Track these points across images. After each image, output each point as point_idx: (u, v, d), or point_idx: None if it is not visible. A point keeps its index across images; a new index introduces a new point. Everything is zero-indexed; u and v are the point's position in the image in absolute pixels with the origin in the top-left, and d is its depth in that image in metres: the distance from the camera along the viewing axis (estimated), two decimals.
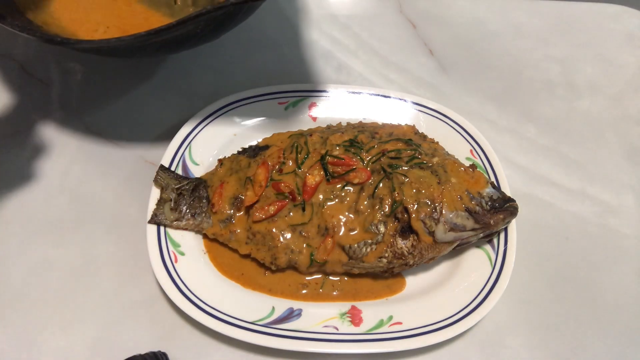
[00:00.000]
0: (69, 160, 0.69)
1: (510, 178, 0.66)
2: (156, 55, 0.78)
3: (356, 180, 0.58)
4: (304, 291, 0.58)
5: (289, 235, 0.58)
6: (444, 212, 0.56)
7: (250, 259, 0.59)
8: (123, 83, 0.78)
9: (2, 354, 0.55)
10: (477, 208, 0.57)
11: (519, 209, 0.59)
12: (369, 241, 0.56)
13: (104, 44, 0.56)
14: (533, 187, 0.70)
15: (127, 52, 0.64)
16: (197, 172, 0.65)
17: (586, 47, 0.87)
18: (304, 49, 0.84)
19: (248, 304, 0.56)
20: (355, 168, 0.59)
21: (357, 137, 0.62)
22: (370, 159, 0.60)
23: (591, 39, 0.88)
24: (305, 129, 0.67)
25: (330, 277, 0.59)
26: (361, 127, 0.66)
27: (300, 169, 0.60)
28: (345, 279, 0.59)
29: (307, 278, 0.59)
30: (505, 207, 0.58)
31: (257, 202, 0.59)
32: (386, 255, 0.56)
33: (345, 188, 0.58)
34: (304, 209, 0.58)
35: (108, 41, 0.55)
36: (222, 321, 0.54)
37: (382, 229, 0.56)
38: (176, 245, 0.59)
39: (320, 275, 0.59)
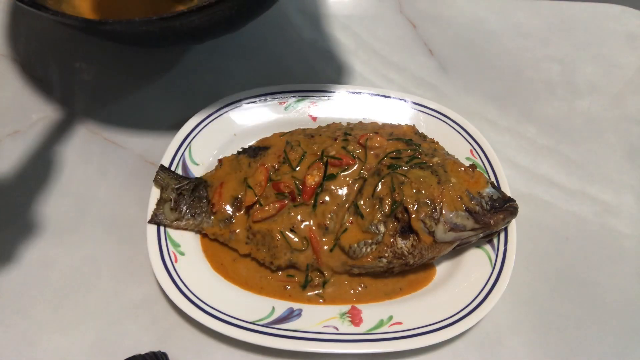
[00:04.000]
0: (69, 160, 0.69)
1: (510, 178, 0.66)
2: (179, 44, 0.79)
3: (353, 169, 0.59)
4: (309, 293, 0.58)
5: (288, 235, 0.58)
6: (444, 212, 0.56)
7: (250, 258, 0.59)
8: (123, 83, 0.78)
9: (1, 354, 0.55)
10: (477, 208, 0.57)
11: (519, 209, 0.59)
12: (369, 241, 0.56)
13: (130, 26, 0.56)
14: (533, 187, 0.70)
15: (151, 38, 0.65)
16: (197, 172, 0.65)
17: (586, 47, 0.87)
18: (304, 49, 0.84)
19: (248, 304, 0.56)
20: (354, 167, 0.59)
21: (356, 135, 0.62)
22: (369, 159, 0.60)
23: (591, 39, 0.88)
24: (305, 129, 0.67)
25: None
26: (361, 127, 0.66)
27: (299, 168, 0.60)
28: (348, 279, 0.59)
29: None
30: (505, 207, 0.58)
31: (256, 202, 0.59)
32: (386, 255, 0.56)
33: (345, 188, 0.58)
34: (303, 209, 0.58)
35: (133, 22, 0.55)
36: (222, 321, 0.54)
37: (382, 229, 0.56)
38: (176, 245, 0.59)
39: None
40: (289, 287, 0.58)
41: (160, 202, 0.61)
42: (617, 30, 0.90)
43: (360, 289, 0.58)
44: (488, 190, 0.59)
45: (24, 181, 0.67)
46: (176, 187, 0.62)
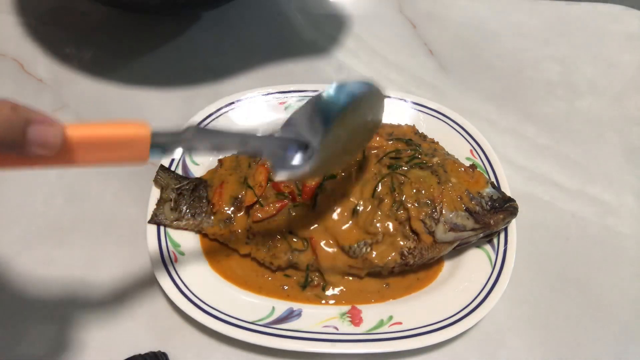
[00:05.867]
0: None
1: (510, 178, 0.66)
2: (194, 8, 0.82)
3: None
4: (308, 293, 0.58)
5: (288, 236, 0.58)
6: (444, 212, 0.56)
7: (250, 258, 0.59)
8: (122, 83, 0.78)
9: (2, 354, 0.55)
10: (477, 208, 0.57)
11: (519, 209, 0.59)
12: (369, 241, 0.56)
13: None
14: (533, 187, 0.70)
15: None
16: (197, 172, 0.65)
17: (586, 47, 0.87)
18: (304, 49, 0.84)
19: (248, 304, 0.56)
20: (354, 167, 0.59)
21: None
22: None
23: (591, 39, 0.88)
24: None
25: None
26: None
27: None
28: (350, 279, 0.59)
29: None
30: (505, 207, 0.58)
31: (257, 202, 0.59)
32: (386, 255, 0.56)
33: (345, 188, 0.59)
34: (303, 209, 0.58)
35: None
36: (222, 321, 0.54)
37: (382, 229, 0.56)
38: (176, 245, 0.59)
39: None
40: (286, 287, 0.58)
41: (160, 202, 0.61)
42: (617, 30, 0.90)
43: (360, 289, 0.58)
44: (488, 190, 0.59)
45: (24, 181, 0.67)
46: (176, 187, 0.62)
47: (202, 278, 0.57)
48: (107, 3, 0.74)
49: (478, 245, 0.61)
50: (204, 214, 0.61)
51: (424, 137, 0.66)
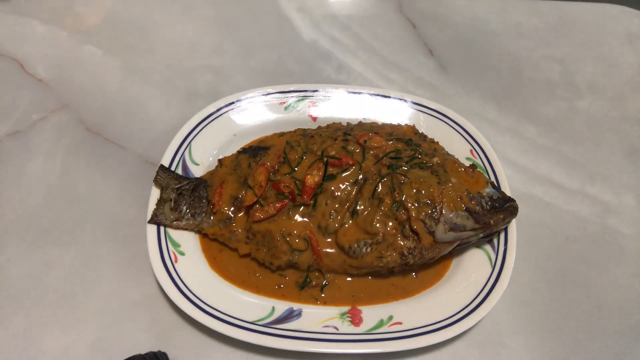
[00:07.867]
0: (69, 160, 0.69)
1: (510, 178, 0.66)
2: None
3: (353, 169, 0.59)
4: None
5: (288, 236, 0.58)
6: (444, 212, 0.56)
7: (250, 258, 0.59)
8: (123, 83, 0.78)
9: (2, 354, 0.55)
10: (477, 208, 0.57)
11: (519, 209, 0.59)
12: (369, 241, 0.56)
13: None
14: (533, 187, 0.70)
15: None
16: (197, 172, 0.65)
17: (586, 47, 0.87)
18: (304, 49, 0.84)
19: (248, 304, 0.56)
20: (353, 166, 0.59)
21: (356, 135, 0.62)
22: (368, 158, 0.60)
23: (591, 39, 0.88)
24: (305, 129, 0.67)
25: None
26: (361, 127, 0.66)
27: (299, 169, 0.60)
28: (348, 279, 0.59)
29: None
30: (505, 207, 0.58)
31: (256, 202, 0.59)
32: (386, 255, 0.56)
33: (345, 187, 0.58)
34: (303, 209, 0.58)
35: None
36: (222, 321, 0.54)
37: (382, 229, 0.56)
38: (176, 245, 0.59)
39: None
40: (282, 286, 0.58)
41: (160, 202, 0.61)
42: (617, 30, 0.90)
43: (360, 289, 0.58)
44: (488, 190, 0.59)
45: (24, 181, 0.67)
46: (176, 187, 0.62)
47: (202, 278, 0.57)
48: None
49: (478, 245, 0.61)
50: (204, 214, 0.61)
51: (424, 137, 0.66)
